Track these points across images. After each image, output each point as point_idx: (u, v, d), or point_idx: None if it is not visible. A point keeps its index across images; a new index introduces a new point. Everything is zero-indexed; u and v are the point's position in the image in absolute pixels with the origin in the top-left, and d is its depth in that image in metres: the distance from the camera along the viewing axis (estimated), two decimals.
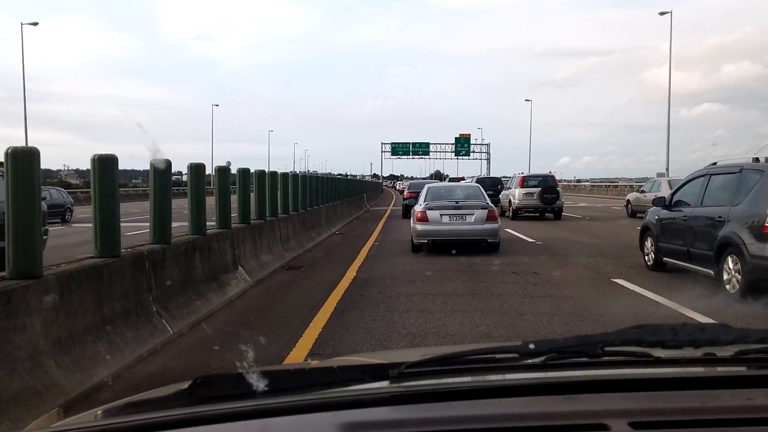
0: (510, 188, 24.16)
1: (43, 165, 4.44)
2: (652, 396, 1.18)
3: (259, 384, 1.23)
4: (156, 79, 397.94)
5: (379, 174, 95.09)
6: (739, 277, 7.34)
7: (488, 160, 78.44)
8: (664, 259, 9.46)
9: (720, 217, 7.87)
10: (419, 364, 1.33)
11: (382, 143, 79.45)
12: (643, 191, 23.33)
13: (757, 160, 7.80)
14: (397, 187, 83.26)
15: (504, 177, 33.52)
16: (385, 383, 1.24)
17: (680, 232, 8.93)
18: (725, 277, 7.63)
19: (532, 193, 22.22)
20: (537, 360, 1.29)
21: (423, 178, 55.25)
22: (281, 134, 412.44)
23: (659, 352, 1.32)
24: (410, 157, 77.22)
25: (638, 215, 20.56)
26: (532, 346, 1.28)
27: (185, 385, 1.30)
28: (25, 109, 46.69)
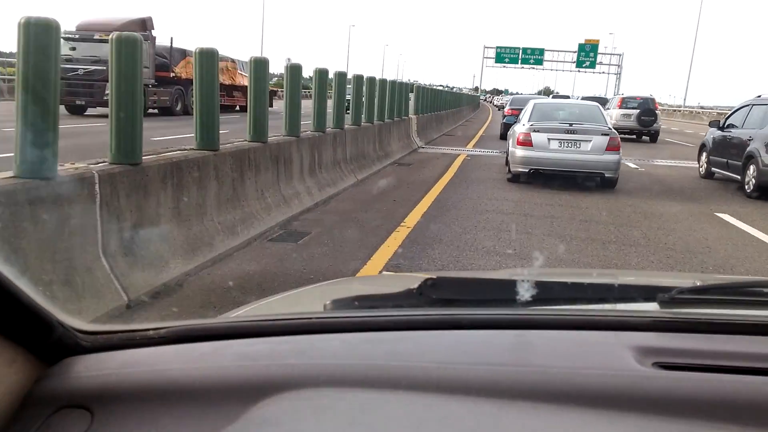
0: (609, 108, 23.46)
1: None
2: None
3: (524, 293, 1.15)
4: None
5: (479, 87, 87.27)
6: (754, 180, 10.22)
7: (618, 74, 62.27)
8: (713, 169, 12.26)
9: (750, 137, 10.64)
10: (691, 290, 1.29)
11: (484, 47, 64.90)
12: None
13: None
14: (495, 102, 76.36)
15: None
16: (653, 306, 1.16)
17: (725, 148, 11.70)
18: (746, 180, 10.51)
19: (630, 115, 22.37)
20: None
21: (529, 95, 48.41)
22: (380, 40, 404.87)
23: None
24: (519, 66, 63.01)
25: None
26: None
27: (415, 284, 1.30)
28: None
